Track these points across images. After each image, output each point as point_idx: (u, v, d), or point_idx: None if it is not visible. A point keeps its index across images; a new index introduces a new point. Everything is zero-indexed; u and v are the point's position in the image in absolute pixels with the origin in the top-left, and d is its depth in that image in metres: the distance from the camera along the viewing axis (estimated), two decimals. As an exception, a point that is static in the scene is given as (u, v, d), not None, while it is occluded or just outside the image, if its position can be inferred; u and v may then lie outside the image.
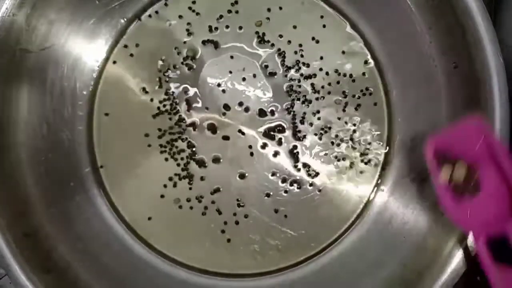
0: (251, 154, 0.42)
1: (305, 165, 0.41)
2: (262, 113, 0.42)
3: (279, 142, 0.42)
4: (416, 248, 0.36)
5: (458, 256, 0.33)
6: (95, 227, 0.41)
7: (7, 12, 0.35)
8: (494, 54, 0.33)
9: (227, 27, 0.42)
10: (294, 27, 0.42)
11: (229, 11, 0.42)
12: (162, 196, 0.41)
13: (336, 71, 0.42)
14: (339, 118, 0.42)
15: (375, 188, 0.41)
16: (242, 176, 0.41)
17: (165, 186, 0.41)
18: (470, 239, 0.32)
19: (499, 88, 0.32)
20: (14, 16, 0.35)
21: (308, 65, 0.42)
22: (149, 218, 0.41)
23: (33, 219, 0.37)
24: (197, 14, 0.42)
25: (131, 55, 0.42)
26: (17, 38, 0.36)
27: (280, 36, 0.42)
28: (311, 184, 0.41)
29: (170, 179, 0.41)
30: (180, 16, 0.42)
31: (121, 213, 0.41)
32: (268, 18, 0.42)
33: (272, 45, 0.42)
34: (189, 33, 0.42)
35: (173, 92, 0.42)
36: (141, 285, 0.40)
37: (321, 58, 0.42)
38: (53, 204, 0.39)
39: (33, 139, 0.38)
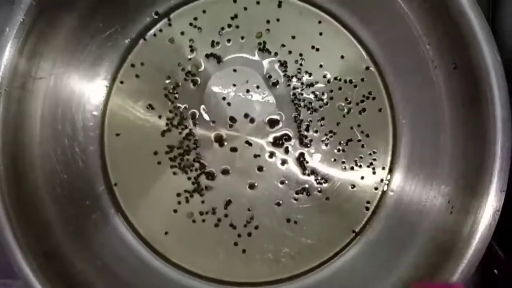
0: (259, 164, 0.42)
1: (313, 172, 0.42)
2: (267, 123, 0.43)
3: (286, 151, 0.42)
4: (428, 245, 0.37)
5: (472, 250, 0.33)
6: (112, 243, 0.42)
7: (13, 46, 0.36)
8: (491, 52, 0.33)
9: (228, 41, 0.43)
10: (293, 37, 0.43)
11: (229, 25, 0.43)
12: (175, 211, 0.42)
13: (337, 77, 0.42)
14: (344, 124, 0.42)
15: (384, 191, 0.42)
16: (251, 186, 0.42)
17: (179, 202, 0.42)
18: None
19: (498, 87, 0.32)
20: (19, 52, 0.36)
21: (309, 74, 0.42)
22: (166, 233, 0.42)
23: (52, 238, 0.38)
24: (199, 29, 0.43)
25: (137, 74, 0.43)
26: (24, 71, 0.37)
27: (281, 46, 0.43)
28: (319, 191, 0.42)
29: (182, 194, 0.42)
30: (183, 33, 0.43)
31: (137, 228, 0.42)
32: (268, 30, 0.43)
33: (274, 55, 0.43)
34: (192, 49, 0.43)
35: (179, 108, 0.43)
36: (160, 298, 0.41)
37: (322, 66, 0.42)
38: (70, 223, 0.40)
39: (48, 163, 0.39)
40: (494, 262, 0.41)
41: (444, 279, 0.33)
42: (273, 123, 0.43)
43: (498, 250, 0.41)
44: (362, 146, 0.42)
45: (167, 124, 0.43)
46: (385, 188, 0.42)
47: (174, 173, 0.42)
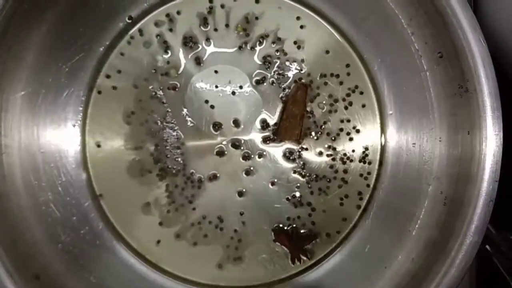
0: (248, 165, 0.42)
1: (303, 169, 0.41)
2: (254, 122, 0.42)
3: (275, 150, 0.42)
4: (424, 241, 0.37)
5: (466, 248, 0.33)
6: (103, 258, 0.41)
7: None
8: (476, 40, 0.32)
9: (207, 40, 0.41)
10: (275, 32, 0.41)
11: (207, 25, 0.41)
12: (161, 224, 0.41)
13: (322, 73, 0.41)
14: (332, 119, 0.42)
15: (375, 184, 0.42)
16: (241, 190, 0.42)
17: (168, 211, 0.41)
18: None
19: (486, 75, 0.32)
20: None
21: (294, 70, 0.41)
22: (158, 242, 0.41)
23: (41, 259, 0.37)
24: (175, 31, 0.41)
25: (114, 83, 0.41)
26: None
27: (262, 43, 0.41)
28: (310, 188, 0.42)
29: (170, 202, 0.41)
30: (158, 36, 0.41)
31: (127, 240, 0.41)
32: (247, 22, 0.41)
33: (256, 53, 0.41)
34: (168, 52, 0.41)
35: (161, 114, 0.41)
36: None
37: (305, 60, 0.41)
38: (59, 241, 0.39)
39: (30, 186, 0.38)
40: (486, 238, 0.41)
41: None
42: (260, 122, 0.42)
43: (489, 226, 0.41)
44: (352, 140, 0.42)
45: (149, 132, 0.41)
46: (376, 180, 0.41)
47: (160, 180, 0.41)
